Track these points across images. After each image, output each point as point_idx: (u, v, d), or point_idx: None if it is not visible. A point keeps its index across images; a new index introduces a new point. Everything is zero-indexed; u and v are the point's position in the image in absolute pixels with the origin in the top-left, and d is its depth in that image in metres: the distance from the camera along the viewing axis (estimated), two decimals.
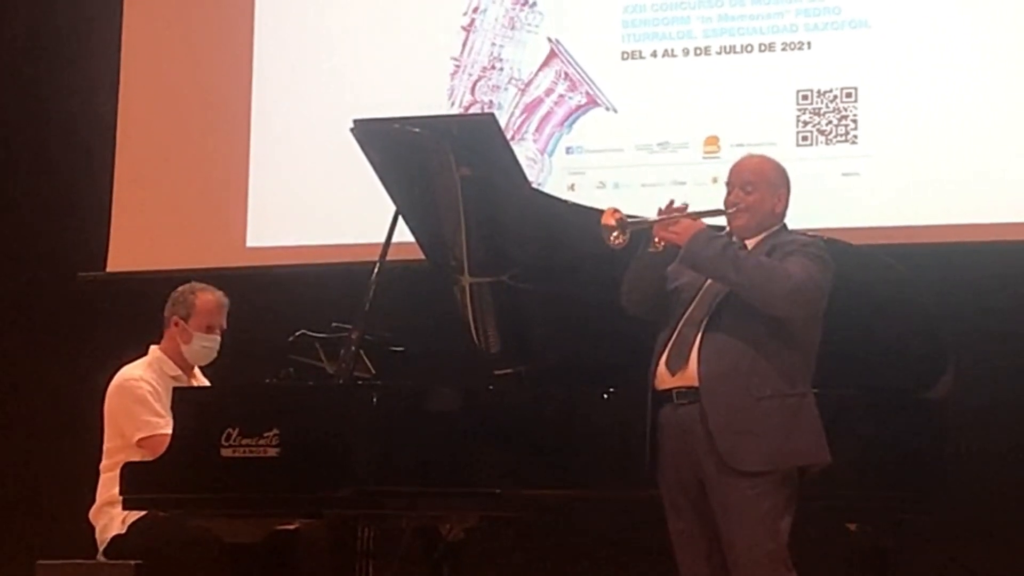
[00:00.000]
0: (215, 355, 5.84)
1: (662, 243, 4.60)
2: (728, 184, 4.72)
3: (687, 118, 6.90)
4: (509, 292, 5.40)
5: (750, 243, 4.66)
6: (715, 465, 4.50)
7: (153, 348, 5.84)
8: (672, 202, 4.65)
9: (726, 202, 4.70)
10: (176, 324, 5.81)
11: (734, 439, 4.48)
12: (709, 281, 4.62)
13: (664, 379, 4.60)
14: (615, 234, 4.56)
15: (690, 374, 4.54)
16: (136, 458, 5.42)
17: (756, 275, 4.51)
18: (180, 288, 5.88)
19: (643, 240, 4.64)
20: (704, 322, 4.57)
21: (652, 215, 4.65)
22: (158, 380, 5.72)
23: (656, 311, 4.71)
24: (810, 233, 4.83)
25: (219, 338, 5.82)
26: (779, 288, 4.49)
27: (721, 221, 4.72)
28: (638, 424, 4.65)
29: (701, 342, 4.54)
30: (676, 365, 4.57)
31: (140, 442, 5.60)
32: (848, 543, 5.33)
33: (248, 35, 7.50)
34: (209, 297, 5.83)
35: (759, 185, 4.68)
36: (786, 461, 4.52)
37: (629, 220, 4.57)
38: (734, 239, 4.66)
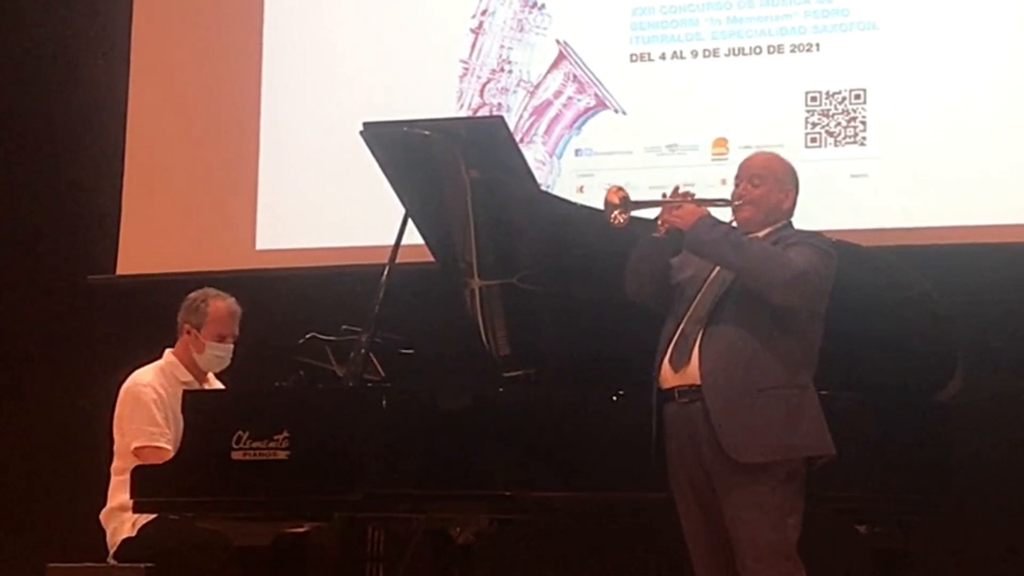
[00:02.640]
0: (227, 364, 5.84)
1: (665, 226, 4.62)
2: (736, 178, 4.74)
3: (696, 120, 6.90)
4: (518, 294, 5.40)
5: (754, 237, 4.66)
6: (720, 461, 4.50)
7: (167, 352, 5.85)
8: (678, 187, 4.66)
9: (733, 194, 4.71)
10: (188, 332, 5.81)
11: (736, 431, 4.48)
12: (712, 277, 4.63)
13: (668, 377, 4.62)
14: (617, 212, 4.57)
15: (692, 371, 4.55)
16: (136, 463, 5.43)
17: (758, 259, 4.52)
18: (193, 295, 5.88)
19: (649, 229, 4.65)
20: (706, 318, 4.58)
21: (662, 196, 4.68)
22: (168, 385, 5.73)
23: (659, 301, 4.71)
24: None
25: (231, 347, 5.82)
26: (781, 274, 4.49)
27: (727, 214, 4.73)
28: (648, 426, 4.65)
29: (703, 338, 4.55)
30: (679, 363, 4.58)
31: (135, 451, 5.61)
32: (857, 545, 5.33)
33: (257, 38, 7.51)
34: (221, 305, 5.83)
35: (766, 179, 4.70)
36: (788, 452, 4.52)
37: (632, 200, 4.58)
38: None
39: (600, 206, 4.66)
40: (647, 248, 4.69)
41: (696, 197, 4.65)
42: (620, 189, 4.60)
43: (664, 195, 4.66)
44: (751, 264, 4.52)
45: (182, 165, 7.59)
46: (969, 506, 5.47)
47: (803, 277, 4.50)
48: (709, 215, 4.60)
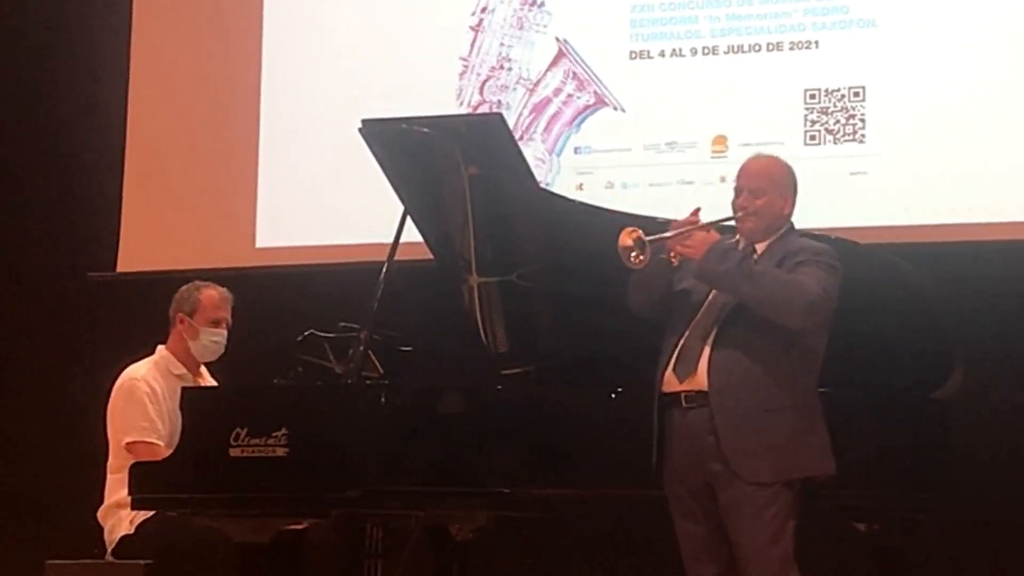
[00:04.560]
0: (222, 350, 5.85)
1: (677, 258, 4.61)
2: (736, 188, 4.72)
3: (695, 118, 6.89)
4: (517, 292, 5.40)
5: (760, 246, 4.66)
6: (723, 470, 4.52)
7: (160, 348, 5.86)
8: (698, 210, 4.64)
9: (735, 205, 4.70)
10: (182, 321, 5.82)
11: (744, 451, 4.51)
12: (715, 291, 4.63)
13: (671, 384, 4.61)
14: (635, 254, 4.55)
15: (699, 379, 4.55)
16: (130, 458, 5.44)
17: (772, 290, 4.51)
18: (183, 287, 5.90)
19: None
20: (713, 333, 4.57)
21: (663, 218, 4.67)
22: (162, 379, 5.74)
23: (662, 313, 4.71)
24: (817, 232, 4.84)
25: (225, 332, 5.83)
26: (795, 303, 4.49)
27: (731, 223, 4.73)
28: (646, 423, 4.65)
29: (711, 354, 4.55)
30: (684, 373, 4.58)
31: (127, 446, 5.61)
32: (856, 543, 5.33)
33: (257, 35, 7.50)
34: (213, 292, 5.86)
35: (767, 189, 4.69)
36: (793, 472, 4.55)
37: (647, 239, 4.55)
38: (743, 242, 4.66)
39: (598, 203, 4.66)
40: (652, 268, 4.66)
41: (704, 223, 4.63)
42: (633, 230, 4.57)
43: (673, 223, 4.64)
44: (766, 296, 4.51)
45: (182, 163, 7.59)
46: (968, 504, 5.47)
47: (818, 304, 4.51)
48: (719, 242, 4.58)
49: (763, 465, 4.50)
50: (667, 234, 4.62)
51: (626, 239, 4.56)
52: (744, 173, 4.74)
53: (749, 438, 4.50)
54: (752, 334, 4.53)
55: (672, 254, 4.61)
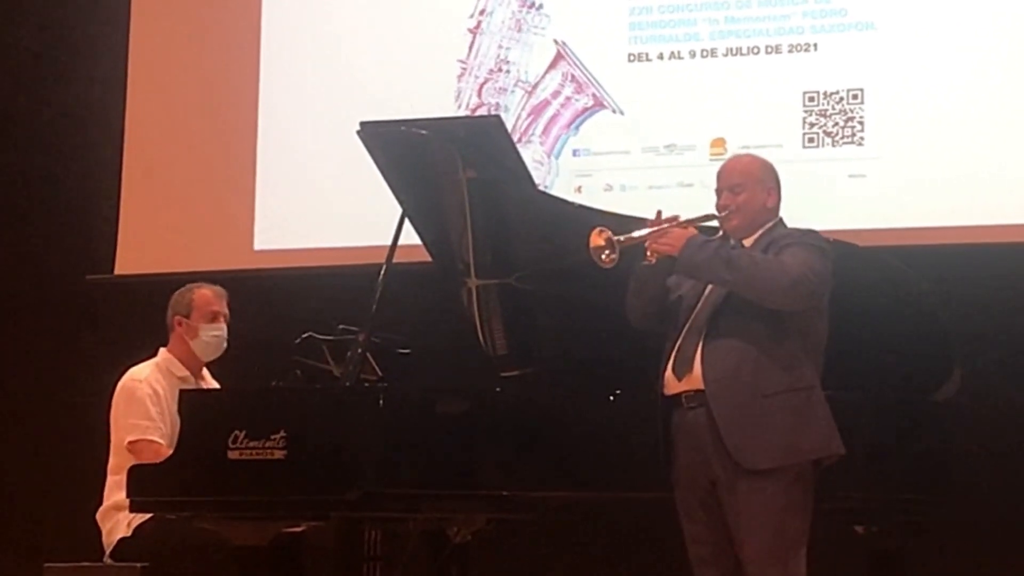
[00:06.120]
0: (225, 344, 5.84)
1: (655, 256, 4.60)
2: (716, 190, 4.72)
3: (694, 120, 6.90)
4: (516, 294, 5.40)
5: (747, 242, 4.66)
6: (726, 467, 4.49)
7: (162, 350, 5.86)
8: (660, 213, 4.65)
9: (717, 206, 4.70)
10: (179, 323, 5.83)
11: (743, 437, 4.47)
12: (710, 287, 4.62)
13: (672, 385, 4.61)
14: (605, 253, 4.56)
15: (695, 378, 4.54)
16: (130, 458, 5.44)
17: (751, 271, 4.50)
18: (176, 291, 5.90)
19: (642, 253, 4.64)
20: (706, 327, 4.57)
21: (646, 223, 4.66)
22: (164, 381, 5.74)
23: (664, 323, 4.70)
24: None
25: (224, 326, 5.83)
26: (776, 282, 4.48)
27: (715, 226, 4.72)
28: (644, 426, 4.65)
29: (704, 347, 4.54)
30: (682, 371, 4.57)
31: (128, 445, 5.61)
32: (855, 546, 5.33)
33: (255, 37, 7.51)
34: (205, 290, 5.87)
35: (746, 184, 4.68)
36: (797, 456, 4.51)
37: (617, 238, 4.56)
38: (732, 242, 4.66)
39: (597, 205, 4.66)
40: (643, 278, 4.67)
41: (681, 220, 4.63)
42: (602, 230, 4.57)
43: (648, 222, 4.64)
44: (746, 277, 4.50)
45: (180, 165, 7.59)
46: (968, 506, 5.47)
47: (801, 281, 4.49)
48: (696, 235, 4.58)
49: (762, 450, 4.46)
50: (642, 231, 4.62)
51: (597, 239, 4.57)
52: (722, 174, 4.74)
53: (747, 424, 4.47)
54: (744, 322, 4.52)
55: (649, 253, 4.61)
